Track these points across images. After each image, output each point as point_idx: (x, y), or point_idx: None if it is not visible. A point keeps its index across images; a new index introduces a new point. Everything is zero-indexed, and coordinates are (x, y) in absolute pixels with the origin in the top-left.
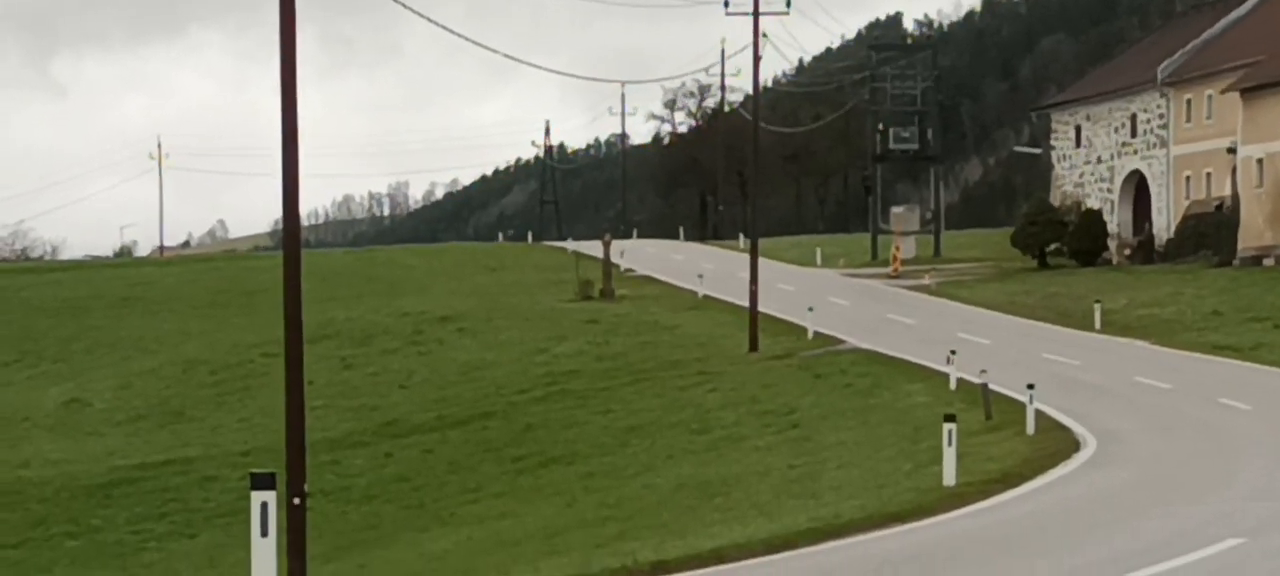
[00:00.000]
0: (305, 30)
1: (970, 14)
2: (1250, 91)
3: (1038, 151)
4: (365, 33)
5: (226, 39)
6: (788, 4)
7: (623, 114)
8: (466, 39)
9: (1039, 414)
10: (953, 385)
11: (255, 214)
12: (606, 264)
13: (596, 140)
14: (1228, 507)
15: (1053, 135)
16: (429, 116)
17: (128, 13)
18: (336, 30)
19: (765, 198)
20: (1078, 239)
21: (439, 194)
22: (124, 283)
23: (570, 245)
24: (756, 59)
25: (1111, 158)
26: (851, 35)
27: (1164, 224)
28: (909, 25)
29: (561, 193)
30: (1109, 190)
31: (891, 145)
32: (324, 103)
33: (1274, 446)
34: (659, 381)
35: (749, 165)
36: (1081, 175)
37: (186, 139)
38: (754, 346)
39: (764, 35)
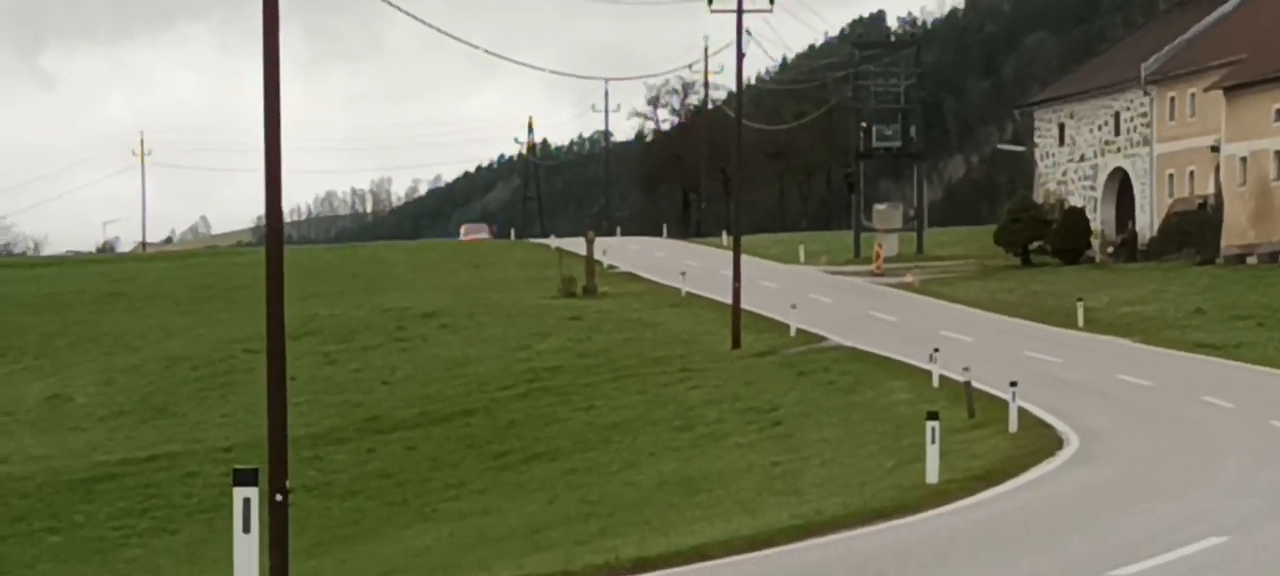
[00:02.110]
0: (289, 22)
1: (953, 11)
2: (1233, 89)
3: (1021, 149)
4: (349, 25)
5: (212, 32)
6: (771, 1)
7: (606, 110)
8: (447, 34)
9: (1022, 411)
10: (935, 382)
11: (238, 210)
12: (589, 261)
13: (580, 136)
14: (1211, 505)
15: (1036, 133)
16: (413, 110)
17: (115, 4)
18: (320, 23)
19: (748, 194)
20: (1061, 237)
21: (422, 190)
22: (107, 278)
23: (553, 242)
24: (740, 56)
25: (1095, 155)
26: (834, 32)
27: (1147, 222)
28: (892, 22)
29: (545, 189)
30: (1092, 188)
31: (874, 142)
32: (307, 96)
33: (1257, 444)
34: (641, 378)
35: (732, 162)
36: (1064, 173)
37: (171, 134)
38: (737, 343)
39: (747, 32)
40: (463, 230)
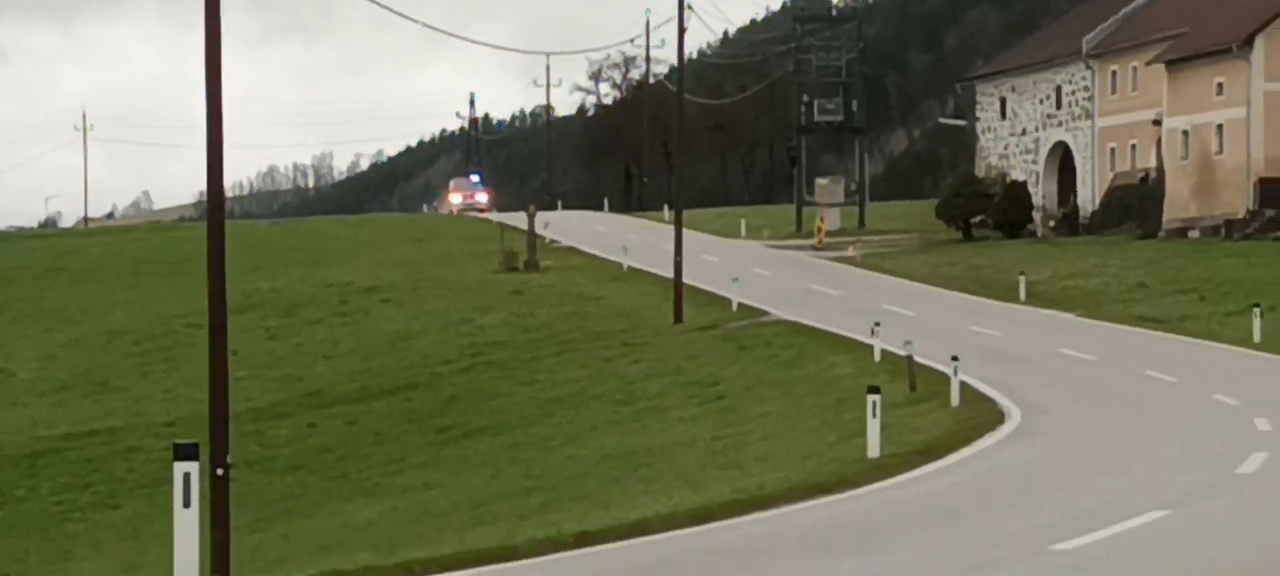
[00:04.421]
0: None
1: None
2: (1175, 63)
3: (963, 123)
4: None
5: (161, 5)
6: None
7: (548, 85)
8: (391, 10)
9: (964, 386)
10: (877, 356)
11: (181, 184)
12: (531, 235)
13: (522, 111)
14: (1153, 479)
15: (978, 107)
16: (362, 85)
17: None
18: None
19: (690, 169)
20: (1003, 211)
21: (364, 165)
22: (49, 253)
23: (495, 216)
24: (681, 30)
25: (1036, 129)
26: (776, 6)
27: (1089, 196)
28: None
29: (487, 163)
30: (1034, 162)
31: (816, 117)
32: (255, 71)
33: (1199, 418)
34: (583, 352)
35: (673, 136)
36: (1006, 147)
37: (116, 109)
38: (679, 317)
39: (689, 6)
40: (452, 188)
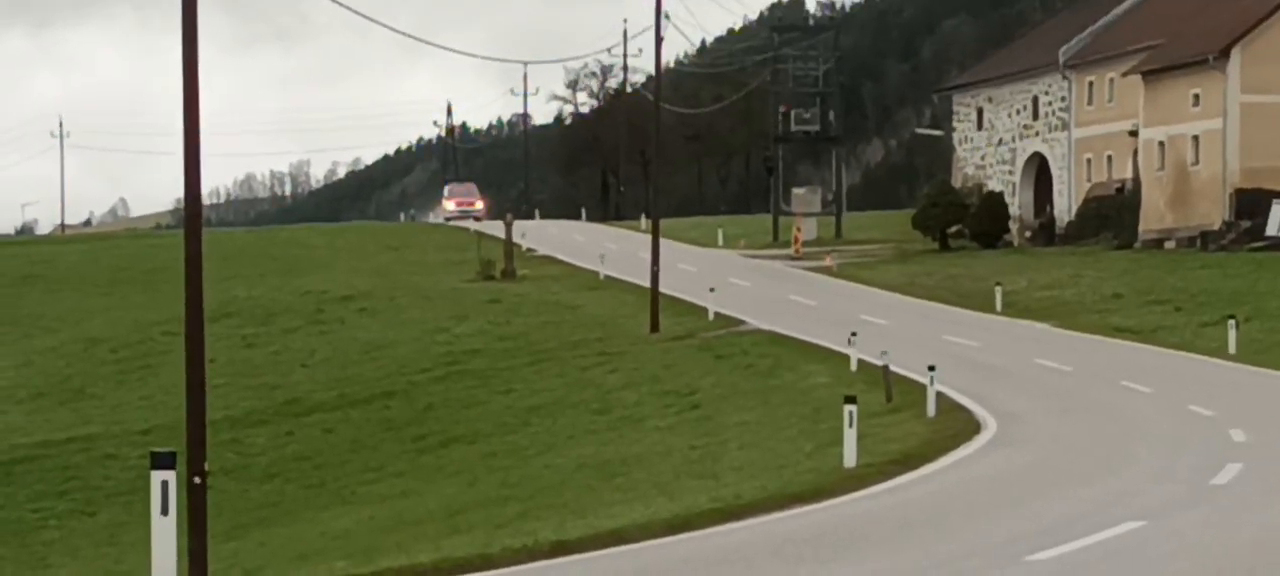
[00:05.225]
0: (213, 2)
1: None
2: (1151, 74)
3: (939, 133)
4: (276, 6)
5: (135, 11)
6: None
7: (525, 94)
8: (367, 17)
9: (940, 395)
10: (853, 366)
11: (158, 192)
12: (508, 243)
13: (499, 119)
14: (1128, 490)
15: (954, 117)
16: (339, 93)
17: None
18: (248, 2)
19: (667, 178)
20: (979, 221)
21: (341, 173)
22: (25, 260)
23: (472, 224)
24: (658, 39)
25: (1013, 140)
26: (753, 16)
27: (1065, 206)
28: (811, 6)
29: (464, 172)
30: (1010, 172)
31: (793, 126)
32: (233, 79)
33: (1174, 429)
34: (560, 361)
35: (651, 145)
36: (983, 157)
37: (92, 116)
38: (655, 327)
39: (666, 16)
40: (447, 193)
